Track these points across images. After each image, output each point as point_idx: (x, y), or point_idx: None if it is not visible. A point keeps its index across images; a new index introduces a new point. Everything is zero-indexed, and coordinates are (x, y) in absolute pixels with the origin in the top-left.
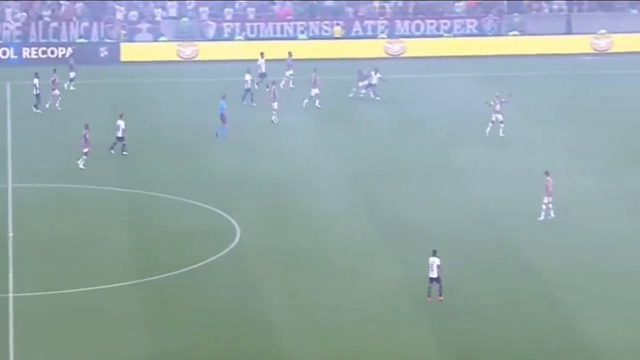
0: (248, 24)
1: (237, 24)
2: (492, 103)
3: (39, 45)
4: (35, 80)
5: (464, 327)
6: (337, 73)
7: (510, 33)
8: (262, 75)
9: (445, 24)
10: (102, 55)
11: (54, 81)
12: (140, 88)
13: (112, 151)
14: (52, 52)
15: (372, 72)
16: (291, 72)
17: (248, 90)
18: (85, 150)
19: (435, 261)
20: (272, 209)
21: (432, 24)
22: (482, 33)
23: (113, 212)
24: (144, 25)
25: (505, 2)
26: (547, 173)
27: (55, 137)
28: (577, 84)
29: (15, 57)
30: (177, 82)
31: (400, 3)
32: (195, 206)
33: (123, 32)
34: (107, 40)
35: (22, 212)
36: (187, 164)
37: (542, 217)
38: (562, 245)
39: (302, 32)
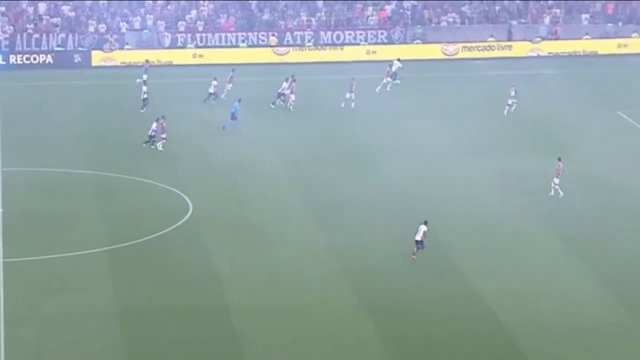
0: (198, 35)
1: (189, 35)
2: None
3: (23, 52)
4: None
5: (380, 284)
6: (270, 75)
7: (414, 42)
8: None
9: (361, 34)
10: (76, 61)
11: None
12: (110, 89)
13: (152, 146)
14: (35, 59)
15: (395, 60)
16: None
17: (212, 94)
18: (163, 136)
19: (422, 228)
20: (219, 187)
21: (350, 34)
22: (390, 41)
23: (86, 191)
24: (111, 36)
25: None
26: (559, 159)
27: (41, 130)
28: (467, 84)
29: (4, 62)
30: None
31: (323, 17)
32: (153, 185)
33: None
34: (80, 49)
35: (9, 191)
36: (149, 151)
37: (551, 193)
38: (464, 218)
39: (242, 41)
